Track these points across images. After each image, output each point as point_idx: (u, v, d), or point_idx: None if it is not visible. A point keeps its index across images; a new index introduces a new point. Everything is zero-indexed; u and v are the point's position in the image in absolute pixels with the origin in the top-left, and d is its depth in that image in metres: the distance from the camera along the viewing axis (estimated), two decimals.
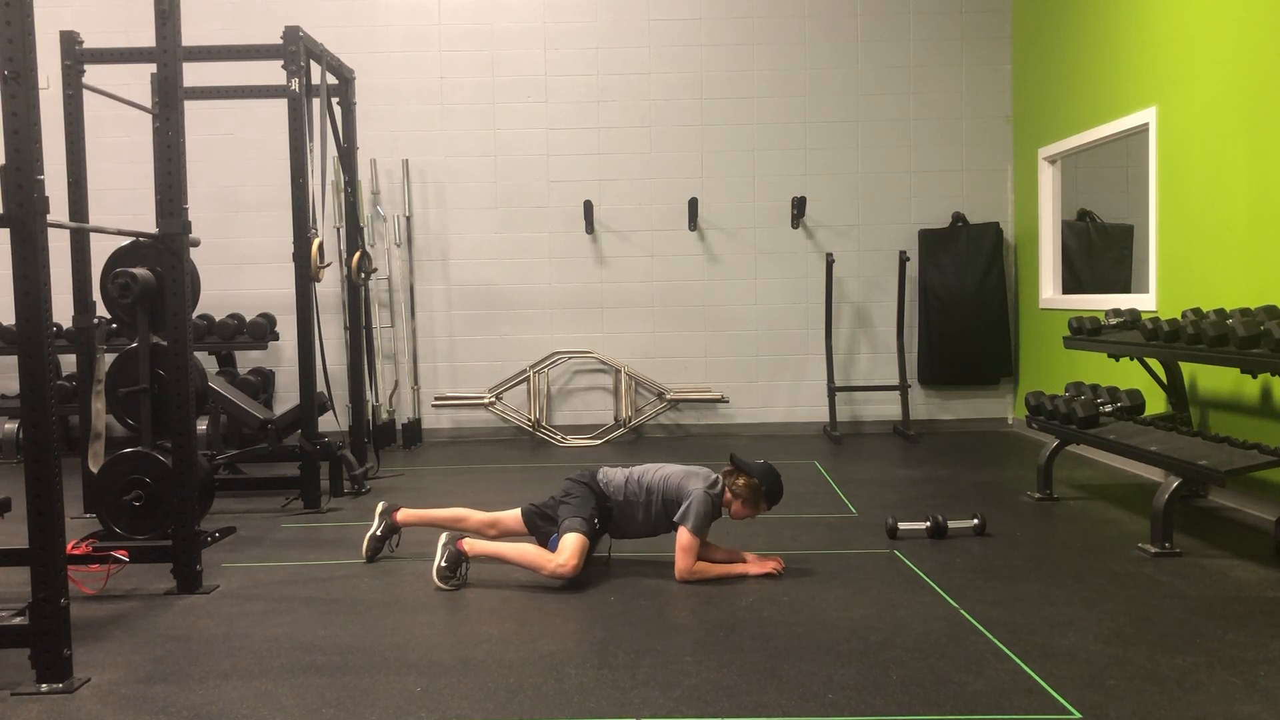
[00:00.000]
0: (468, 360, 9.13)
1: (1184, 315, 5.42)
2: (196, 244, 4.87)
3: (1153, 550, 4.79)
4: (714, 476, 4.58)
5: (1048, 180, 8.55)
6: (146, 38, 5.04)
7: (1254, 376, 5.60)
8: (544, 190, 9.12)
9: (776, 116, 9.12)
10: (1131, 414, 5.88)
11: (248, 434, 7.73)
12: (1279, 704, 3.06)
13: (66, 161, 5.91)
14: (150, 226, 4.65)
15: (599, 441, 8.81)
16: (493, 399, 8.92)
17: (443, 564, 4.40)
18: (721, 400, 9.10)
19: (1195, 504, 5.89)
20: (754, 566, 4.54)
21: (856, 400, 9.21)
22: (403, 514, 4.95)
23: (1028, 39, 8.82)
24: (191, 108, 7.95)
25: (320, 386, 6.59)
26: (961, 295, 9.06)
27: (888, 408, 9.14)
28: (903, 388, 8.90)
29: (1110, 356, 6.32)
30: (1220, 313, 5.21)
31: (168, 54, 4.46)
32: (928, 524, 5.20)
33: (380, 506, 5.01)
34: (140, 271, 5.16)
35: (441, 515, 4.93)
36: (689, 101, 9.13)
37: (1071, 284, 8.51)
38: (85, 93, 6.10)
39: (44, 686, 3.33)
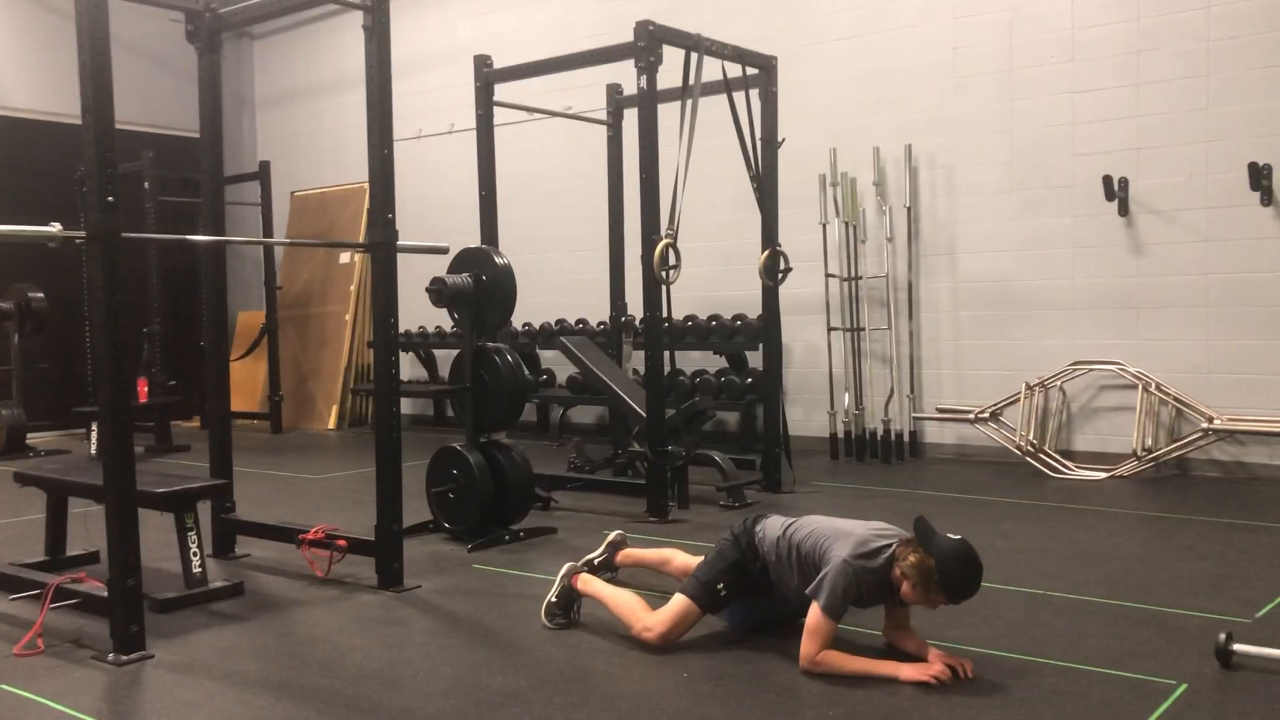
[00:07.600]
0: (971, 369, 7.99)
1: None
2: (444, 250, 4.98)
3: None
4: (876, 543, 3.40)
5: None
6: None
7: None
8: (1067, 167, 7.57)
9: None
10: None
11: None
12: None
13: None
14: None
15: (1105, 474, 7.06)
16: (984, 414, 7.67)
17: (553, 599, 3.93)
18: None
19: None
20: (909, 670, 3.28)
21: None
22: (622, 554, 4.38)
23: None
24: None
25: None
26: None
27: None
28: None
29: None
30: None
31: None
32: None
33: (612, 536, 4.44)
34: (452, 278, 5.51)
35: (651, 556, 4.35)
36: (1261, 38, 6.84)
37: None
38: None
39: None
